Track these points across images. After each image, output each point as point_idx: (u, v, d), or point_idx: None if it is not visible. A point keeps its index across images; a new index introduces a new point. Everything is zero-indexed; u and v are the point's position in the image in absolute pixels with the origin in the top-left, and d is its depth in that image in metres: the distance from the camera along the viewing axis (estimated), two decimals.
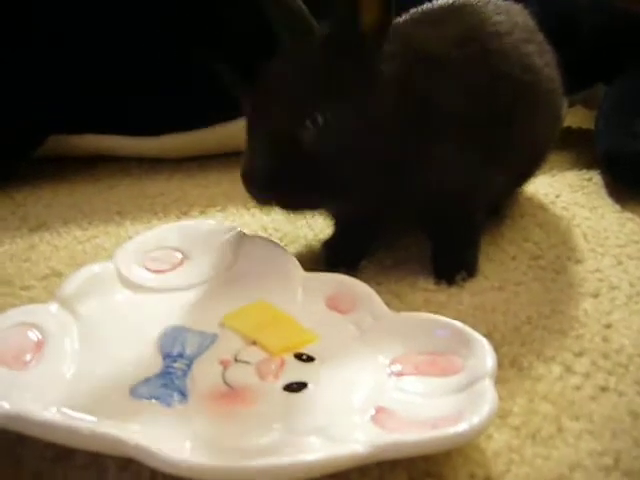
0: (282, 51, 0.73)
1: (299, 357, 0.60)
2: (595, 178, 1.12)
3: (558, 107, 0.93)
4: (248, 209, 1.00)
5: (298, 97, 0.68)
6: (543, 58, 0.90)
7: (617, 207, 1.01)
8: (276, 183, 0.68)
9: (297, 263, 0.72)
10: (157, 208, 1.01)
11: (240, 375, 0.58)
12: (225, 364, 0.59)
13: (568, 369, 0.64)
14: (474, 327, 0.62)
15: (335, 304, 0.67)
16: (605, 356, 0.66)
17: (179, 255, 0.76)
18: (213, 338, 0.63)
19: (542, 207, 1.01)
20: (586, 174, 1.13)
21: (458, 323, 0.60)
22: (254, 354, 0.61)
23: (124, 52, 1.10)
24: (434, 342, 0.59)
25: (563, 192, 1.07)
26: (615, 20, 1.25)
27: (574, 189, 1.08)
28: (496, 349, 0.65)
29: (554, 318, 0.73)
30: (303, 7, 0.72)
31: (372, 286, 0.77)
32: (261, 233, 0.92)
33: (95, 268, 0.71)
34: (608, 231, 0.93)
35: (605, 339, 0.69)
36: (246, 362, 0.59)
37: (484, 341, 0.57)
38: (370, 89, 0.70)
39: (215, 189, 1.08)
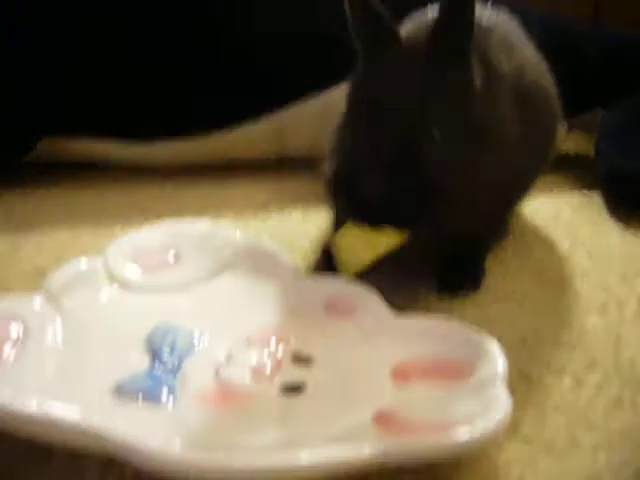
0: (381, 58, 0.68)
1: (297, 358, 0.57)
2: (596, 198, 1.09)
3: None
4: (242, 217, 0.97)
5: (418, 111, 0.65)
6: (550, 79, 0.91)
7: (620, 226, 0.98)
8: (401, 205, 0.64)
9: (293, 266, 0.69)
10: (149, 213, 0.97)
11: (234, 375, 0.54)
12: (218, 363, 0.56)
13: (579, 381, 0.61)
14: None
15: (334, 308, 0.64)
16: (617, 369, 0.63)
17: (172, 254, 0.72)
18: (206, 337, 0.60)
19: (543, 226, 0.98)
20: (587, 195, 1.11)
21: (465, 325, 0.57)
22: (249, 354, 0.57)
23: (118, 53, 1.07)
24: (440, 345, 0.56)
25: (564, 212, 1.04)
26: (616, 46, 1.25)
27: (575, 209, 1.06)
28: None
29: (562, 330, 0.70)
30: (387, 15, 0.68)
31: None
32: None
33: (84, 263, 0.67)
34: (612, 248, 0.90)
35: (616, 352, 0.66)
36: (241, 362, 0.56)
37: (493, 344, 0.54)
38: (472, 100, 0.68)
39: (207, 199, 1.05)
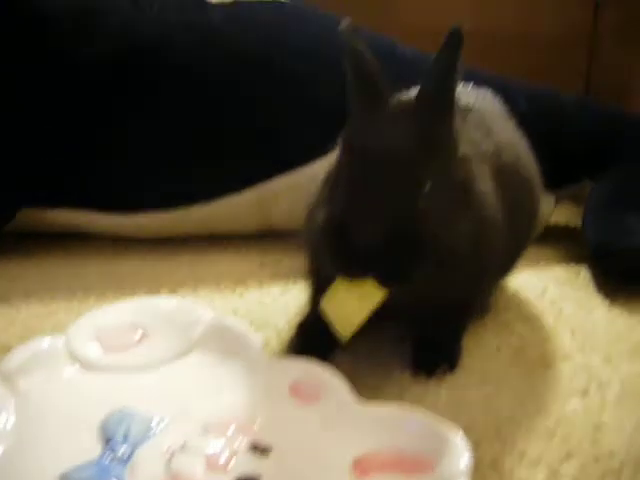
0: (375, 113, 0.69)
1: (254, 448, 0.54)
2: (583, 273, 1.08)
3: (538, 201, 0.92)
4: (220, 290, 0.95)
5: (412, 165, 0.65)
6: (530, 157, 0.91)
7: (606, 302, 0.96)
8: (390, 256, 0.62)
9: (261, 347, 0.67)
10: (125, 286, 0.96)
11: (186, 465, 0.52)
12: (172, 452, 0.53)
13: (555, 473, 0.58)
14: (450, 424, 0.56)
15: (299, 392, 0.61)
16: (596, 460, 0.60)
17: (138, 333, 0.71)
18: (165, 423, 0.57)
19: (528, 301, 0.97)
20: (574, 269, 1.10)
21: (430, 417, 0.55)
22: (205, 443, 0.55)
23: (101, 125, 1.08)
24: (403, 438, 0.54)
25: (550, 286, 1.02)
26: (600, 120, 1.25)
27: (561, 283, 1.04)
28: (474, 448, 0.60)
29: (539, 417, 0.67)
30: (380, 72, 0.70)
31: (344, 376, 0.72)
32: (232, 316, 0.86)
33: (44, 342, 0.66)
34: (597, 327, 0.88)
35: (595, 441, 0.63)
36: (195, 451, 0.53)
37: (458, 438, 0.52)
38: (456, 159, 0.69)
39: (187, 271, 1.04)
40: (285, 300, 0.92)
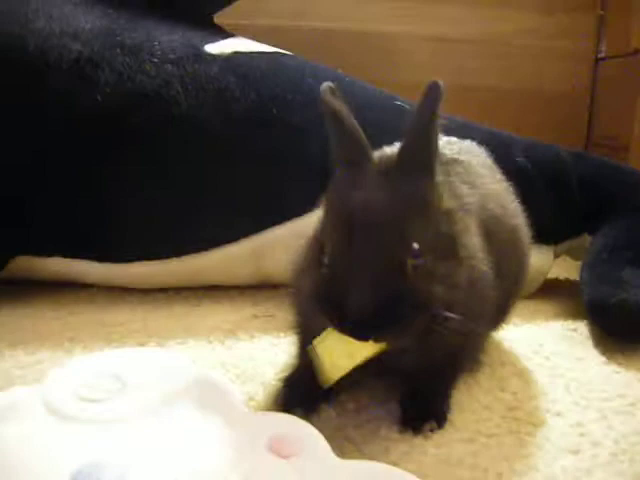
0: (357, 173, 0.69)
1: None
2: (581, 329, 1.06)
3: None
4: (209, 342, 0.94)
5: (398, 224, 0.65)
6: (516, 207, 0.90)
7: (603, 359, 0.94)
8: (388, 318, 0.62)
9: (242, 401, 0.66)
10: (113, 337, 0.95)
11: None
12: None
13: None
14: None
15: (278, 447, 0.59)
16: None
17: (117, 384, 0.69)
18: (136, 477, 0.55)
19: (524, 356, 0.95)
20: (572, 324, 1.08)
21: (411, 477, 0.53)
22: None
23: (96, 175, 1.08)
24: None
25: (546, 342, 1.00)
26: (598, 172, 1.25)
27: (558, 339, 1.02)
28: None
29: (528, 476, 0.65)
30: (360, 131, 0.70)
31: (330, 431, 0.70)
32: (219, 369, 0.85)
33: (20, 392, 0.64)
34: (593, 383, 0.86)
35: None
36: None
37: None
38: (440, 207, 0.70)
39: (178, 322, 1.03)
40: (274, 353, 0.91)
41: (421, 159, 0.68)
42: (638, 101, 1.57)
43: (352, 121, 0.71)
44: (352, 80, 1.25)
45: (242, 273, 1.14)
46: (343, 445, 0.68)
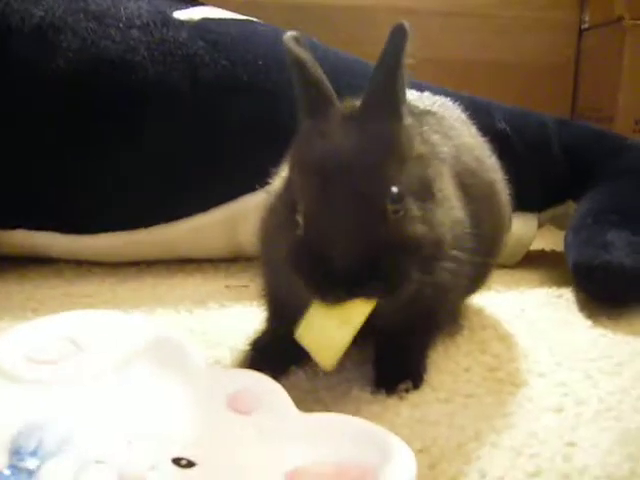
0: (324, 122, 0.64)
1: (177, 462, 0.48)
2: (566, 295, 1.03)
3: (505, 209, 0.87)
4: (177, 312, 0.90)
5: (373, 170, 0.61)
6: (493, 162, 0.87)
7: (589, 323, 0.91)
8: (378, 273, 0.57)
9: (201, 359, 0.62)
10: (79, 308, 0.90)
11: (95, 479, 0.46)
12: (83, 466, 0.47)
13: None
14: (408, 441, 0.51)
15: (237, 403, 0.56)
16: (566, 477, 0.54)
17: (71, 347, 0.65)
18: (81, 438, 0.51)
19: (506, 321, 0.91)
20: (556, 291, 1.05)
21: (374, 426, 0.49)
22: (122, 456, 0.49)
23: (60, 143, 1.04)
24: (342, 448, 0.48)
25: (530, 307, 0.97)
26: (581, 137, 1.22)
27: (542, 304, 0.99)
28: (433, 465, 0.55)
29: (507, 433, 0.61)
30: (324, 79, 0.66)
31: (298, 393, 0.66)
32: (187, 335, 0.81)
33: None
34: (577, 345, 0.83)
35: (567, 458, 0.57)
36: (108, 465, 0.47)
37: (403, 447, 0.46)
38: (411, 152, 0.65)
39: (147, 293, 0.99)
40: (244, 322, 0.86)
41: (388, 102, 0.64)
42: (622, 71, 1.54)
43: (317, 69, 0.66)
44: (326, 47, 1.21)
45: (214, 245, 1.10)
46: (312, 407, 0.64)
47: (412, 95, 0.84)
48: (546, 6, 1.72)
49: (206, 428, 0.53)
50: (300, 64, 0.66)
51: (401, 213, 0.61)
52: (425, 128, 0.74)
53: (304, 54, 0.66)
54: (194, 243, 1.09)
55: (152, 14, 1.12)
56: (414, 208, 0.62)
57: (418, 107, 0.79)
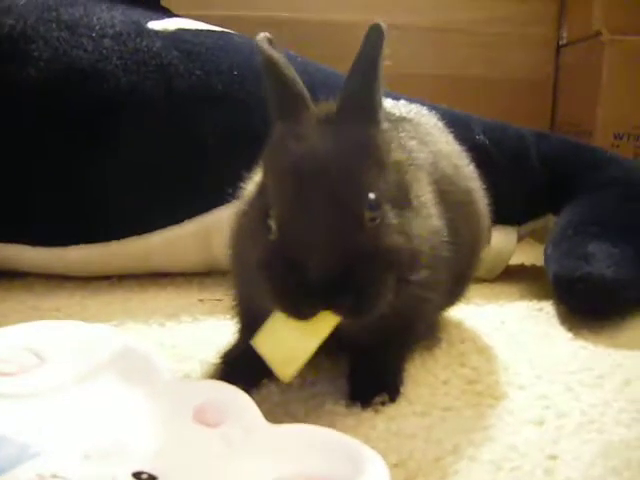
0: (297, 124, 0.62)
1: (137, 476, 0.45)
2: (547, 308, 1.01)
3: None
4: (148, 325, 0.88)
5: (350, 174, 0.58)
6: (470, 169, 0.86)
7: (569, 335, 0.89)
8: (354, 286, 0.55)
9: (166, 371, 0.59)
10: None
11: None
12: None
13: None
14: (384, 454, 0.48)
15: (203, 416, 0.53)
16: None
17: (34, 359, 0.62)
18: (39, 452, 0.48)
19: (486, 334, 0.89)
20: (537, 304, 1.03)
21: (345, 437, 0.47)
22: (79, 471, 0.46)
23: (31, 154, 1.02)
24: (314, 462, 0.45)
25: (510, 320, 0.95)
26: (560, 150, 1.21)
27: (522, 318, 0.97)
28: (408, 479, 0.52)
29: (486, 447, 0.59)
30: (298, 80, 0.64)
31: (269, 406, 0.64)
32: (157, 348, 0.79)
33: None
34: (558, 358, 0.81)
35: (548, 472, 0.55)
36: (64, 479, 0.45)
37: (377, 459, 0.44)
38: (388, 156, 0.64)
39: (118, 306, 0.96)
40: (217, 335, 0.83)
41: (364, 105, 0.63)
42: (601, 86, 1.54)
43: (290, 70, 0.65)
44: (305, 60, 1.20)
45: (188, 257, 1.08)
46: (283, 421, 0.61)
47: (388, 103, 0.83)
48: (527, 22, 1.73)
49: (170, 441, 0.51)
50: (272, 64, 0.64)
51: (377, 221, 0.58)
52: (402, 134, 0.72)
53: (276, 55, 0.65)
54: (167, 256, 1.06)
55: (126, 24, 1.10)
56: (391, 216, 0.60)
57: (394, 114, 0.78)
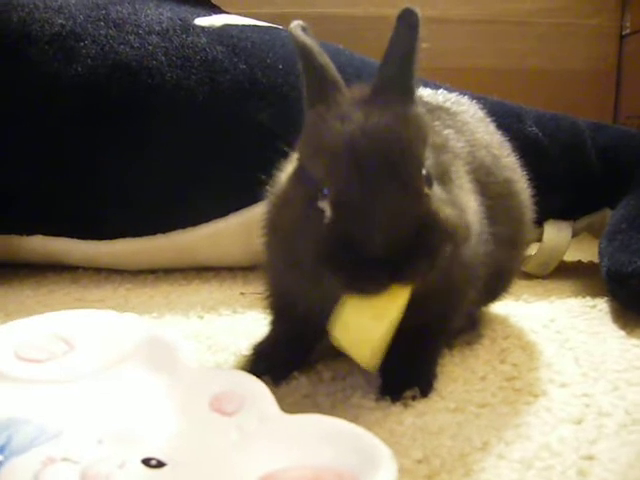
0: (334, 107, 0.61)
1: (146, 462, 0.45)
2: (600, 306, 0.96)
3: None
4: (187, 317, 0.88)
5: (412, 151, 0.58)
6: (513, 160, 0.83)
7: (622, 333, 0.85)
8: (417, 252, 0.55)
9: (190, 359, 0.59)
10: None
11: (56, 477, 0.43)
12: (47, 463, 0.45)
13: None
14: (406, 450, 0.47)
15: (220, 404, 0.52)
16: None
17: (63, 346, 0.63)
18: (56, 435, 0.49)
19: (532, 330, 0.86)
20: (590, 301, 0.98)
21: (356, 429, 0.45)
22: (89, 455, 0.46)
23: (79, 149, 1.04)
24: (323, 452, 0.44)
25: (559, 317, 0.91)
26: (618, 141, 1.15)
27: (573, 315, 0.93)
28: (430, 476, 0.51)
29: (517, 445, 0.56)
30: (332, 66, 0.64)
31: (296, 398, 0.63)
32: (193, 341, 0.79)
33: None
34: (606, 355, 0.77)
35: (582, 472, 0.52)
36: (75, 462, 0.45)
37: (386, 452, 0.42)
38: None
39: (160, 299, 0.97)
40: (254, 328, 0.83)
41: (401, 87, 0.61)
42: None
43: (324, 57, 0.64)
44: (352, 53, 1.19)
45: (232, 251, 1.08)
46: (309, 412, 0.60)
47: (426, 92, 0.81)
48: (587, 13, 1.67)
49: (184, 428, 0.51)
50: (306, 50, 0.64)
51: (432, 196, 0.58)
52: (437, 122, 0.70)
53: (310, 41, 0.64)
54: (212, 250, 1.07)
55: (172, 21, 1.11)
56: (440, 191, 0.60)
57: (430, 103, 0.76)
